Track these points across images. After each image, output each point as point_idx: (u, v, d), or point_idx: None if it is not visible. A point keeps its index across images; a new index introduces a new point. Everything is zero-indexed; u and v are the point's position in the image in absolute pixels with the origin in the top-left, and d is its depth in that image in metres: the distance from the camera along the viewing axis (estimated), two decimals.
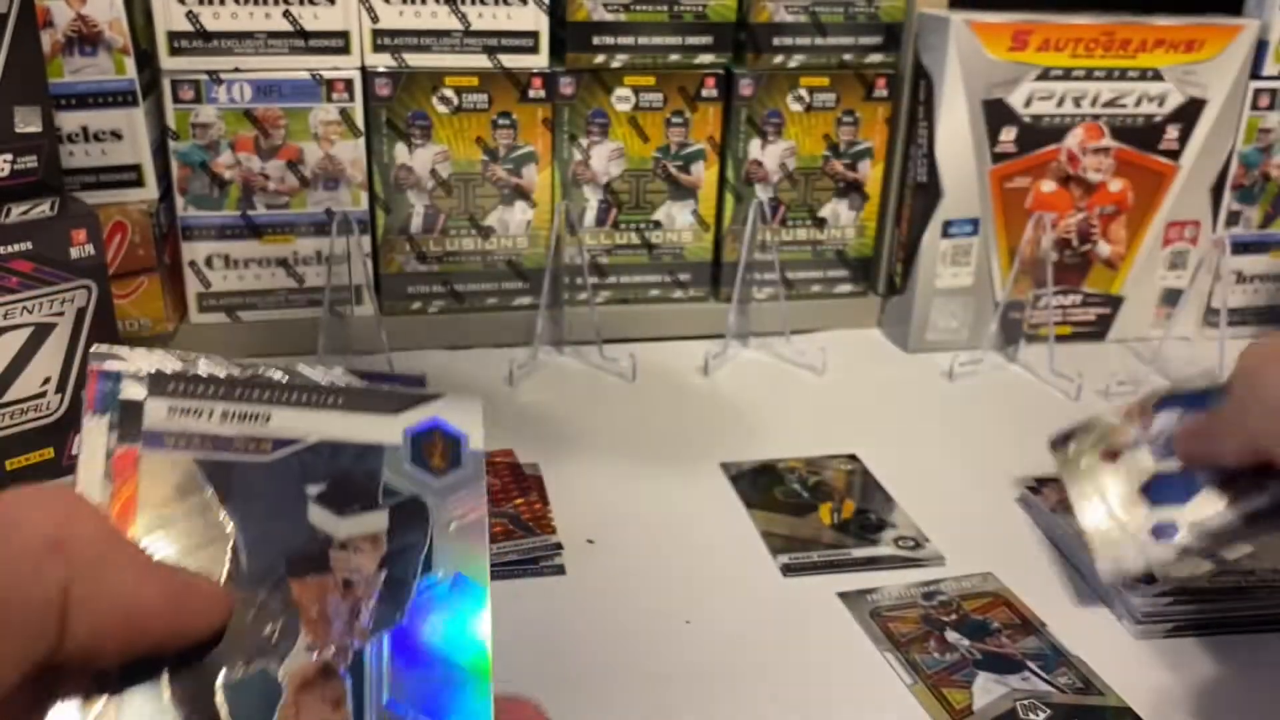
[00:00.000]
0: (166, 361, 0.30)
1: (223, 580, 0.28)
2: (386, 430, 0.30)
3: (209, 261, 0.82)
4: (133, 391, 0.29)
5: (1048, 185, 0.87)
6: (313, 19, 0.77)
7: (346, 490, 0.30)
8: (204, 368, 0.30)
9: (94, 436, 0.29)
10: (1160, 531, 0.56)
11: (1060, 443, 0.63)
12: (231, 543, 0.28)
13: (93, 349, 0.30)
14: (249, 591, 0.28)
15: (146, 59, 0.78)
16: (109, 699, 0.26)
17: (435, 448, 0.31)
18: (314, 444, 0.30)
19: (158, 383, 0.29)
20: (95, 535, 0.26)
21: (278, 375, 0.31)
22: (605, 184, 0.86)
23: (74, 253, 0.63)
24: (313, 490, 0.29)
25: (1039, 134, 0.85)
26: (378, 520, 0.29)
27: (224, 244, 0.81)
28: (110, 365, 0.29)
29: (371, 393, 0.31)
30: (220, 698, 0.27)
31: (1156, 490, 0.57)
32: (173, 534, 0.28)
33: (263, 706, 0.27)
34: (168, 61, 0.76)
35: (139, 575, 0.26)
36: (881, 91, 0.88)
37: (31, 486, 0.27)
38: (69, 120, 0.75)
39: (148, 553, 0.28)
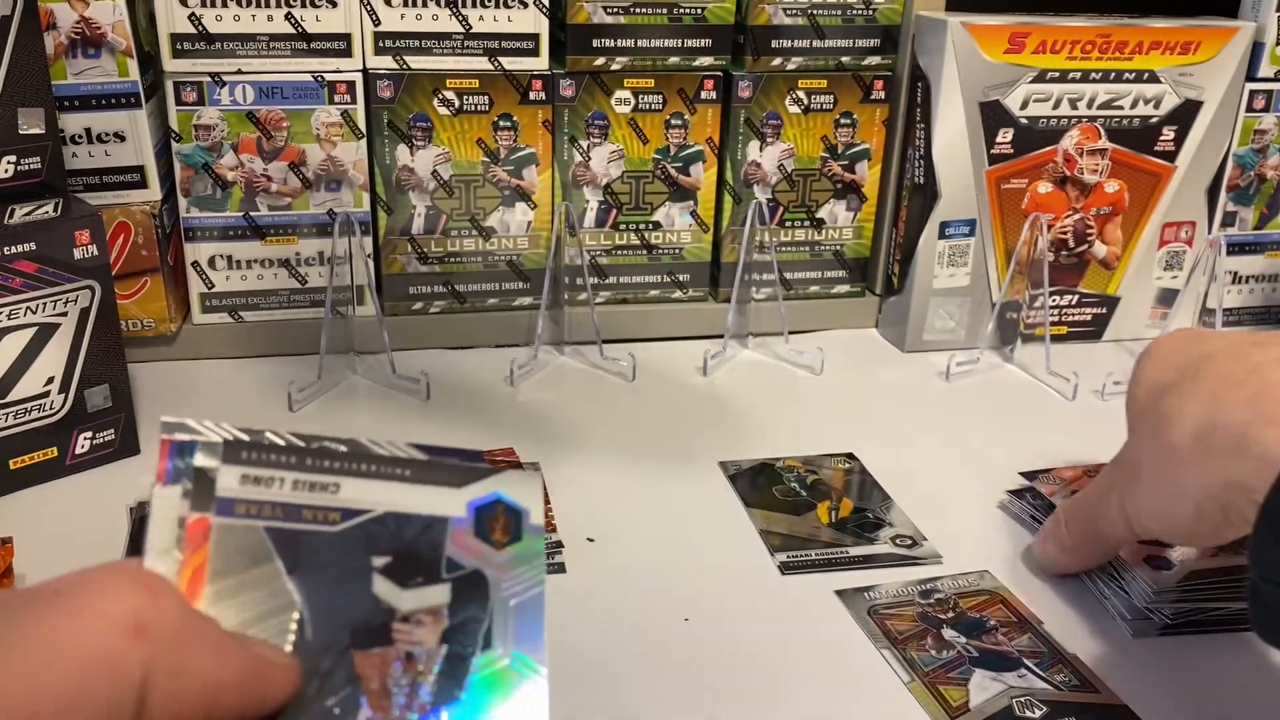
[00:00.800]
0: (235, 433, 0.30)
1: (288, 650, 0.28)
2: (451, 503, 0.31)
3: (212, 262, 0.82)
4: (207, 460, 0.29)
5: (1044, 186, 0.88)
6: (315, 21, 0.78)
7: (411, 563, 0.30)
8: (270, 439, 0.30)
9: (164, 507, 0.29)
10: (1155, 563, 0.57)
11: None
12: (298, 613, 0.28)
13: (163, 420, 0.30)
14: (313, 662, 0.28)
15: (149, 61, 0.78)
16: None
17: (497, 521, 0.31)
18: (381, 515, 0.30)
19: (232, 451, 0.29)
20: (175, 616, 0.26)
21: (340, 448, 0.31)
22: (605, 185, 0.87)
23: (77, 253, 0.64)
24: (378, 562, 0.29)
25: (1035, 136, 0.86)
26: (440, 594, 0.30)
27: (227, 245, 0.82)
28: (180, 436, 0.29)
29: (437, 465, 0.31)
30: None
31: None
32: (240, 603, 0.28)
33: None
34: (170, 63, 0.77)
35: (217, 654, 0.27)
36: (879, 94, 0.89)
37: (107, 567, 0.27)
38: (72, 122, 0.76)
39: (221, 627, 0.28)
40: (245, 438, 0.30)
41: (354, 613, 0.29)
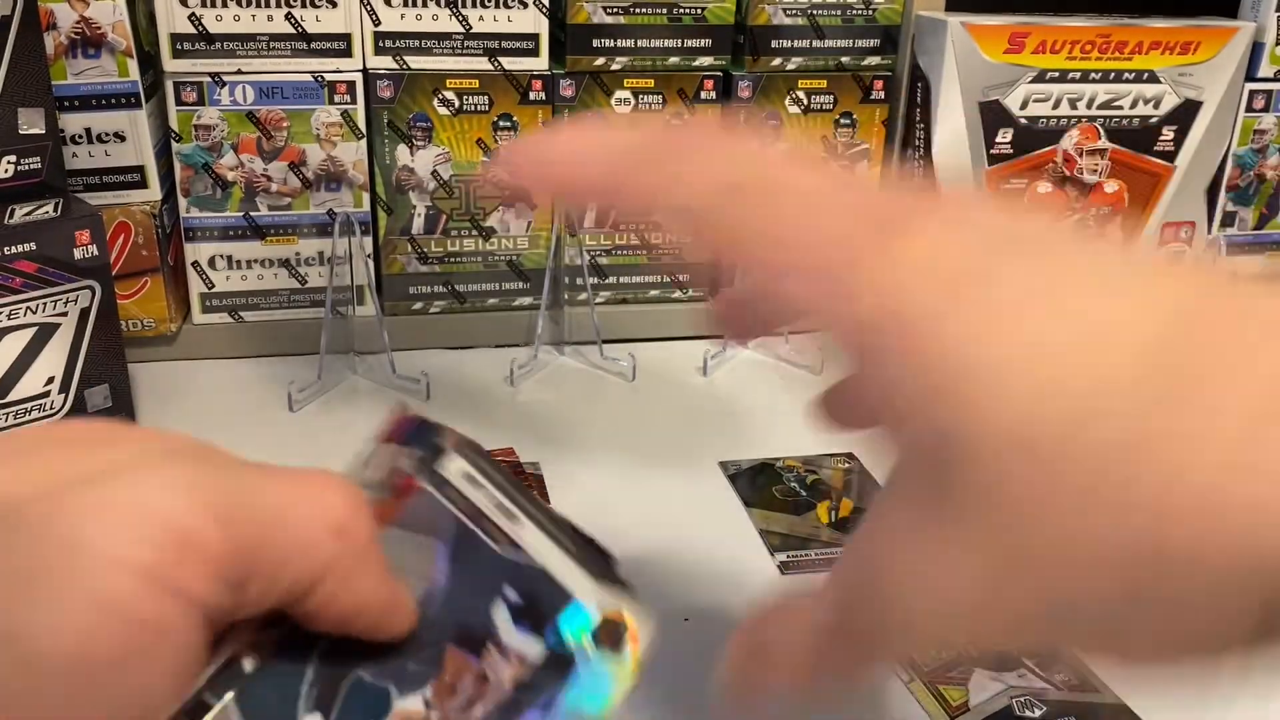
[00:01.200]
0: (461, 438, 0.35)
1: None
2: (586, 590, 0.34)
3: (212, 262, 0.82)
4: (445, 442, 0.34)
5: (1044, 187, 0.88)
6: (315, 21, 0.78)
7: (531, 613, 0.33)
8: (496, 459, 0.34)
9: (386, 459, 0.33)
10: None
11: None
12: (430, 587, 0.32)
13: (398, 403, 0.35)
14: (417, 628, 0.32)
15: (150, 61, 0.78)
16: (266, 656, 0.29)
17: (609, 628, 0.34)
18: (534, 563, 0.34)
19: (467, 448, 0.34)
20: (365, 533, 0.29)
21: (542, 502, 0.35)
22: None
23: (77, 253, 0.64)
24: (510, 594, 0.33)
25: (1035, 136, 0.86)
26: (535, 649, 0.33)
27: (227, 245, 0.82)
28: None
29: (591, 556, 0.35)
30: (343, 689, 0.30)
31: None
32: (396, 551, 0.31)
33: (366, 715, 0.30)
34: (170, 64, 0.77)
35: (379, 577, 0.30)
36: (879, 94, 0.89)
37: (316, 470, 0.30)
38: (72, 122, 0.76)
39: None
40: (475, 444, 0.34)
41: (468, 618, 0.32)
